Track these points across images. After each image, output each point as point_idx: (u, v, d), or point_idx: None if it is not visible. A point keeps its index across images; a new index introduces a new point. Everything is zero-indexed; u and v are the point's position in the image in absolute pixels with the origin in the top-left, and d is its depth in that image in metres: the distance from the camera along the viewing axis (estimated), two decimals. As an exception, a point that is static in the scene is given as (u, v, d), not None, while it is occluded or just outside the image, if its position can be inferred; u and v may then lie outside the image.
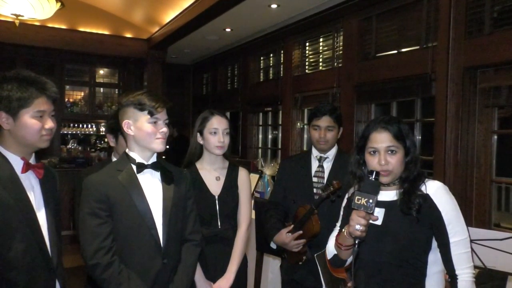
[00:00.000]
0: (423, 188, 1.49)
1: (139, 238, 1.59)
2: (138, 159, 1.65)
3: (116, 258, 1.55)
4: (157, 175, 1.68)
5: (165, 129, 1.64)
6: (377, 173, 1.45)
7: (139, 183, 1.63)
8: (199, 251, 1.80)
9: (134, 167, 1.64)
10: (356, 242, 1.44)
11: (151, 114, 1.60)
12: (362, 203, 1.41)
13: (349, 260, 1.61)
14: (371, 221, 1.45)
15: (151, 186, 1.66)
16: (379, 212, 1.51)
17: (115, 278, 1.52)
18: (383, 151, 1.49)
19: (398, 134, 1.50)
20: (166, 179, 1.69)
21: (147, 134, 1.61)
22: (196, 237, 1.78)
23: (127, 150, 1.69)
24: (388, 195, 1.54)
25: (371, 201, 1.40)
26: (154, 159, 1.69)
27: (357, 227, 1.41)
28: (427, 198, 1.47)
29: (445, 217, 1.45)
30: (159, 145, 1.64)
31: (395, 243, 1.48)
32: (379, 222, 1.51)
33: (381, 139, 1.50)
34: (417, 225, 1.46)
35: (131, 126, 1.62)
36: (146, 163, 1.66)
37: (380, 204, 1.50)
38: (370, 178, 1.44)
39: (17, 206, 1.46)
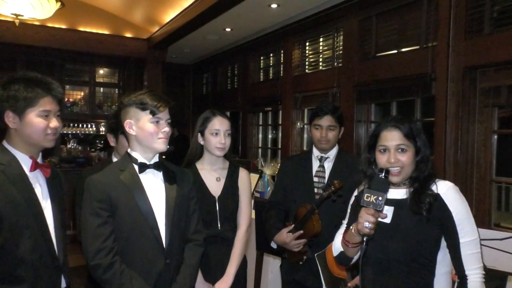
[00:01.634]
0: (433, 187, 1.48)
1: (142, 238, 1.59)
2: (140, 159, 1.65)
3: (117, 258, 1.54)
4: (159, 175, 1.68)
5: (167, 129, 1.64)
6: (387, 171, 1.45)
7: (141, 183, 1.63)
8: (202, 251, 1.80)
9: (136, 167, 1.64)
10: (364, 239, 1.43)
11: (153, 113, 1.60)
12: (371, 200, 1.40)
13: (355, 257, 1.62)
14: (380, 219, 1.45)
15: (154, 186, 1.65)
16: (388, 210, 1.51)
17: (117, 278, 1.52)
18: (393, 149, 1.49)
19: (409, 133, 1.50)
20: (169, 179, 1.69)
21: (149, 133, 1.61)
22: (199, 237, 1.78)
23: (129, 150, 1.68)
24: (398, 193, 1.54)
25: (380, 198, 1.39)
26: (156, 159, 1.69)
27: (366, 224, 1.41)
28: (437, 197, 1.46)
29: (455, 217, 1.44)
30: (161, 144, 1.63)
31: (403, 242, 1.47)
32: (388, 220, 1.51)
33: (392, 137, 1.51)
34: (426, 224, 1.45)
35: (133, 126, 1.62)
36: (148, 163, 1.66)
37: (389, 202, 1.50)
38: (380, 176, 1.44)
39: (26, 204, 1.49)
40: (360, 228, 1.42)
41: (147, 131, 1.60)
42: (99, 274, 1.52)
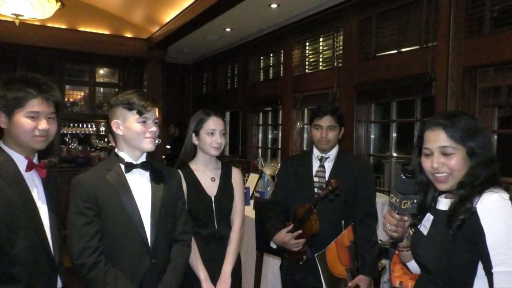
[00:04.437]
0: (475, 200, 1.22)
1: (127, 238, 1.59)
2: (127, 158, 1.65)
3: (102, 258, 1.54)
4: (146, 174, 1.67)
5: (154, 129, 1.64)
6: (411, 171, 1.31)
7: (127, 182, 1.62)
8: (190, 251, 1.80)
9: (122, 166, 1.64)
10: (391, 241, 1.37)
11: (140, 113, 1.59)
12: (393, 202, 1.32)
13: (413, 267, 1.48)
14: (421, 229, 1.35)
15: (140, 185, 1.65)
16: (429, 220, 1.36)
17: (101, 278, 1.51)
18: (437, 152, 1.30)
19: (456, 133, 1.27)
20: (156, 179, 1.68)
21: (136, 133, 1.60)
22: (187, 238, 1.77)
23: (116, 150, 1.68)
24: (445, 204, 1.35)
25: (397, 200, 1.29)
26: (143, 158, 1.69)
27: (388, 226, 1.34)
28: (473, 213, 1.20)
29: (489, 239, 1.17)
30: (148, 144, 1.63)
31: (433, 260, 1.31)
32: (425, 232, 1.36)
33: (435, 139, 1.30)
34: (452, 243, 1.24)
35: (120, 126, 1.61)
36: (135, 162, 1.65)
37: (434, 212, 1.37)
38: (401, 176, 1.31)
39: (21, 204, 1.48)
40: (384, 229, 1.36)
41: (134, 131, 1.60)
42: (83, 273, 1.51)
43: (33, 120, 1.52)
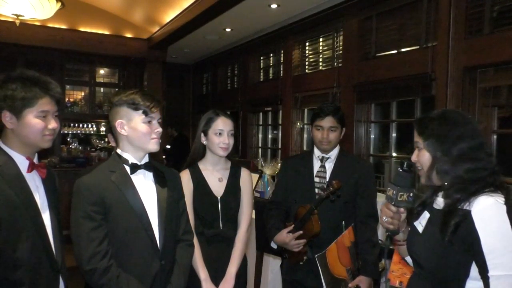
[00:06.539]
0: (469, 203, 1.22)
1: (137, 239, 1.57)
2: (131, 159, 1.62)
3: (113, 262, 1.51)
4: (149, 175, 1.66)
5: (160, 129, 1.63)
6: (408, 165, 1.36)
7: (133, 183, 1.60)
8: (193, 251, 1.80)
9: (127, 167, 1.61)
10: (387, 234, 1.43)
11: (145, 113, 1.58)
12: (390, 194, 1.37)
13: (410, 261, 1.49)
14: (416, 225, 1.39)
15: (145, 186, 1.63)
16: (425, 218, 1.39)
17: (114, 282, 1.49)
18: (416, 146, 1.40)
19: (419, 130, 1.37)
20: (159, 180, 1.67)
21: (142, 134, 1.58)
22: (190, 237, 1.78)
23: (118, 151, 1.65)
24: (440, 203, 1.36)
25: (394, 192, 1.34)
26: (146, 159, 1.67)
27: (384, 218, 1.40)
28: (467, 217, 1.20)
29: (484, 244, 1.17)
30: (154, 145, 1.61)
31: (427, 258, 1.33)
32: (420, 230, 1.39)
33: (415, 133, 1.41)
34: (449, 246, 1.23)
35: (125, 126, 1.59)
36: (139, 163, 1.63)
37: (430, 210, 1.39)
38: (399, 169, 1.37)
39: (23, 206, 1.46)
40: (381, 222, 1.42)
41: (140, 132, 1.58)
42: (95, 279, 1.48)
43: (42, 120, 1.51)
